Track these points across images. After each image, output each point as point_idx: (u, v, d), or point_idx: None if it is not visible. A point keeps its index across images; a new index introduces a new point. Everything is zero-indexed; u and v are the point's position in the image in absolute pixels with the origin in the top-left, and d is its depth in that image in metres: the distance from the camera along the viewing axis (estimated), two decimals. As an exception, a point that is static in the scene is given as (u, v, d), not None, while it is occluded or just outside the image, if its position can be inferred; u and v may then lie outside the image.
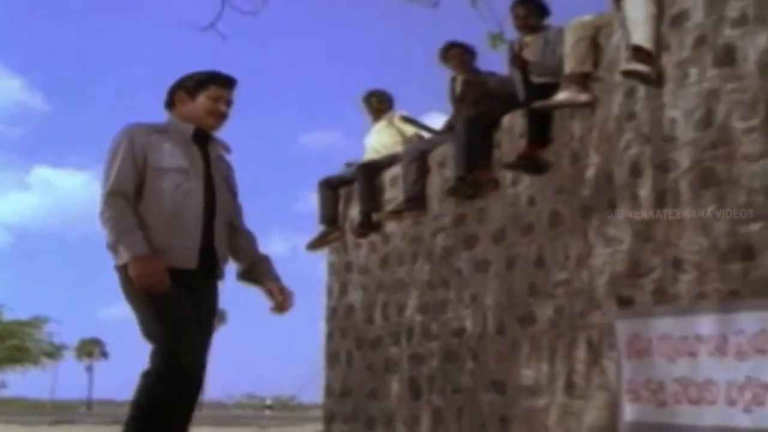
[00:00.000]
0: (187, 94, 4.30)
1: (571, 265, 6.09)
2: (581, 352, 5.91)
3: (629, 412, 5.33)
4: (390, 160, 8.48)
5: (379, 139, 8.84)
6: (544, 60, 6.61)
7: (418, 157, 7.88)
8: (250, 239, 4.51)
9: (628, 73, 5.66)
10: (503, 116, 7.02)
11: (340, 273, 9.17)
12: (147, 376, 3.88)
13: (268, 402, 64.08)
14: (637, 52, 5.63)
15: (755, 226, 4.86)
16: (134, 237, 3.94)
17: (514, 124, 6.87)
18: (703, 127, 5.28)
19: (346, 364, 8.94)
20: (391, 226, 8.33)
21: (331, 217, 9.01)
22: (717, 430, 4.81)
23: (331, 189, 8.95)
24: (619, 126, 5.87)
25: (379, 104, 9.08)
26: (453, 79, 8.02)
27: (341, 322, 9.10)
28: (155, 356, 3.90)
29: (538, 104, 6.30)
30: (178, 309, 3.96)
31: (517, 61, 6.84)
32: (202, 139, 4.30)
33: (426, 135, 8.51)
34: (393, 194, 8.30)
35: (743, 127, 5.04)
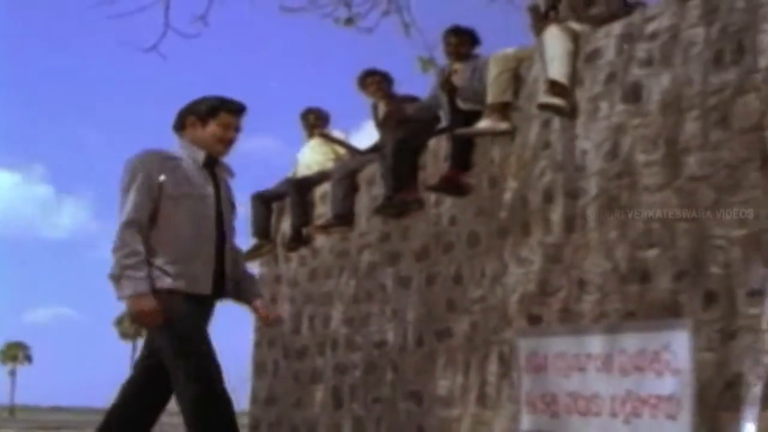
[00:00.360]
0: (198, 119, 4.37)
1: (486, 283, 6.46)
2: (493, 366, 6.27)
3: (527, 422, 5.73)
4: (321, 177, 8.79)
5: (313, 156, 9.15)
6: (471, 87, 7.00)
7: (347, 176, 8.21)
8: (238, 259, 4.60)
9: (544, 106, 6.06)
10: (427, 139, 7.38)
11: (271, 285, 9.45)
12: (189, 403, 4.03)
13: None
14: (554, 86, 6.04)
15: (652, 252, 5.27)
16: (138, 274, 4.03)
17: (439, 147, 7.24)
18: (610, 158, 5.69)
19: (272, 373, 9.22)
20: (320, 241, 8.64)
21: (263, 230, 9.29)
22: (601, 439, 5.24)
23: (264, 203, 9.23)
24: (535, 154, 6.26)
25: (316, 121, 9.39)
26: (374, 106, 8.42)
27: (270, 331, 9.37)
28: (187, 382, 4.03)
29: (460, 131, 6.68)
30: (198, 333, 4.15)
31: (446, 86, 7.22)
32: (211, 163, 4.39)
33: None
34: (323, 210, 8.63)
35: (645, 160, 5.45)
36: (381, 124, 8.30)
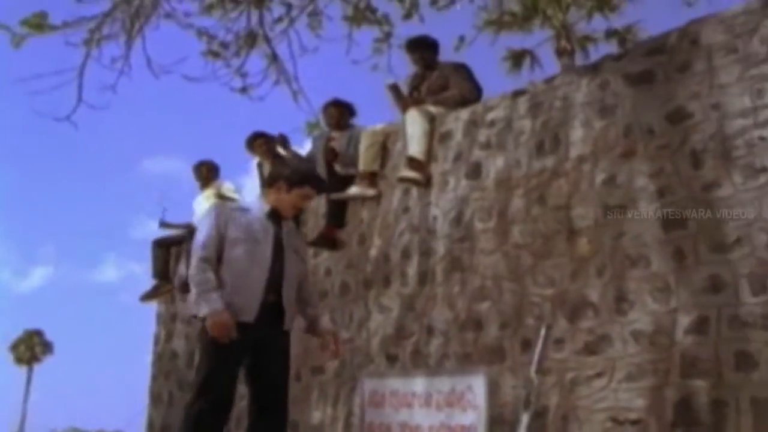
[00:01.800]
0: (286, 185, 5.15)
1: (354, 327, 7.47)
2: (359, 399, 7.26)
3: (368, 448, 6.83)
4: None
5: (206, 206, 10.02)
6: (348, 154, 8.05)
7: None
8: (312, 300, 5.38)
9: (403, 179, 7.12)
10: (310, 198, 8.38)
11: (167, 323, 10.30)
12: (186, 417, 4.90)
13: (92, 436, 62.64)
14: (411, 162, 7.11)
15: (485, 305, 6.35)
16: (213, 296, 4.75)
17: (318, 206, 8.25)
18: (456, 224, 6.77)
19: (167, 403, 10.05)
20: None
21: (162, 272, 10.12)
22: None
23: (163, 248, 10.08)
24: (397, 217, 7.33)
25: (208, 173, 10.27)
26: (259, 165, 9.38)
27: (165, 365, 10.21)
28: (190, 394, 4.91)
29: (335, 195, 7.71)
30: (225, 370, 4.81)
31: (326, 153, 8.24)
32: (277, 216, 5.13)
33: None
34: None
35: (482, 227, 6.55)
36: (266, 183, 9.26)
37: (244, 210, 5.17)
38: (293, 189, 5.16)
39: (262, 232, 5.03)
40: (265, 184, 5.32)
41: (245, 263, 4.92)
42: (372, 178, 7.62)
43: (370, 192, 7.56)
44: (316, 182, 5.42)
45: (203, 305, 4.78)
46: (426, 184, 7.09)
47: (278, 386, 5.05)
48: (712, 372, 4.90)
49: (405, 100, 7.58)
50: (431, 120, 7.25)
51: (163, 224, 10.19)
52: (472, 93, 7.44)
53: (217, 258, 4.89)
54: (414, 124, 7.23)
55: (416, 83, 7.85)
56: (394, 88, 7.64)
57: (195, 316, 4.92)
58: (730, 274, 4.94)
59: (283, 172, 5.32)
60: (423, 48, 7.78)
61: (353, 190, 7.61)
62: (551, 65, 15.31)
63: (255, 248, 4.97)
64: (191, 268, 4.88)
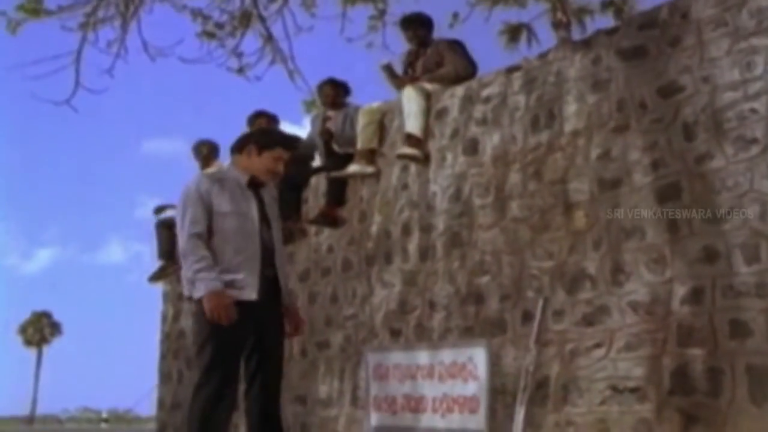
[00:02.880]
0: (256, 148, 4.91)
1: (357, 303, 7.61)
2: (363, 372, 7.42)
3: (374, 419, 6.96)
4: None
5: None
6: (344, 133, 8.15)
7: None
8: (285, 270, 5.01)
9: (401, 156, 7.22)
10: (309, 177, 8.49)
11: (174, 302, 10.44)
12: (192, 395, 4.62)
13: (104, 415, 63.25)
14: (409, 139, 7.21)
15: (485, 279, 6.48)
16: (210, 275, 4.51)
17: (318, 185, 8.36)
18: (454, 200, 6.88)
19: (176, 381, 10.22)
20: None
21: (168, 252, 10.19)
22: (427, 430, 6.51)
23: (167, 228, 10.16)
24: (396, 194, 7.43)
25: (209, 153, 10.32)
26: None
27: (174, 344, 10.37)
28: (193, 378, 4.67)
29: (334, 174, 7.82)
30: (230, 352, 4.59)
31: (324, 133, 8.34)
32: (255, 185, 4.90)
33: None
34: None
35: (480, 203, 6.66)
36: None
37: (222, 180, 4.85)
38: (264, 152, 4.94)
39: (245, 203, 4.82)
40: (234, 149, 5.02)
41: (239, 237, 4.69)
42: (370, 155, 7.71)
43: (369, 169, 7.66)
44: (286, 142, 5.14)
45: (199, 285, 4.53)
46: (424, 160, 7.19)
47: (277, 365, 4.87)
48: (708, 340, 5.02)
49: (400, 79, 7.67)
50: (427, 97, 7.33)
51: (159, 209, 10.24)
52: (466, 70, 7.51)
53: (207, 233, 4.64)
54: (410, 101, 7.31)
55: (411, 60, 7.92)
56: (388, 68, 7.72)
57: (190, 298, 4.68)
58: (723, 244, 5.05)
59: (251, 135, 5.09)
60: (417, 25, 7.84)
61: (352, 168, 7.70)
62: (548, 38, 15.37)
63: (244, 220, 4.76)
64: (182, 245, 4.63)
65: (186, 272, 4.61)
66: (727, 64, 5.24)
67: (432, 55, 7.70)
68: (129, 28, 7.83)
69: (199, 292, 4.53)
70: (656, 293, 5.34)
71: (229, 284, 4.57)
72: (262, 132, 5.17)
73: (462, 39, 7.82)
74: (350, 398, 7.53)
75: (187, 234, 4.60)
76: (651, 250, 5.42)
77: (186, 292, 4.73)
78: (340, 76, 8.81)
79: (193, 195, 4.68)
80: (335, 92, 8.49)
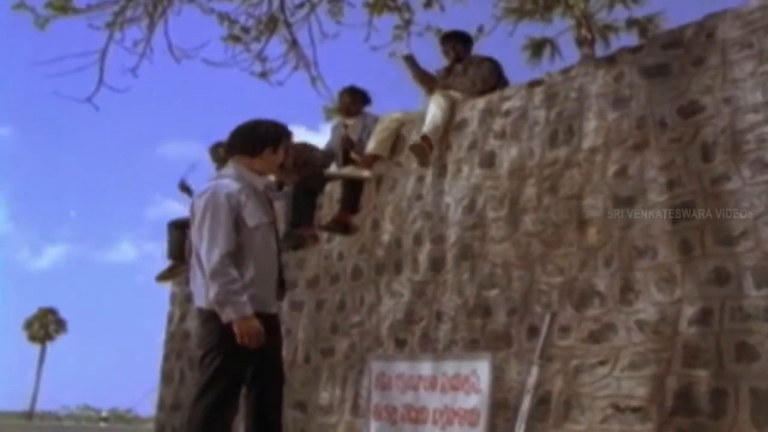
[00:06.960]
0: (272, 147, 4.78)
1: (364, 311, 7.56)
2: (366, 381, 7.35)
3: (373, 428, 6.87)
4: None
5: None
6: (361, 141, 8.14)
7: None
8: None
9: (413, 148, 7.16)
10: (325, 183, 8.48)
11: (181, 303, 10.42)
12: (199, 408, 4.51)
13: (104, 414, 62.98)
14: (424, 139, 7.16)
15: (493, 292, 6.43)
16: (241, 299, 4.37)
17: (333, 191, 8.34)
18: (468, 212, 6.84)
19: (178, 382, 10.17)
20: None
21: (177, 253, 10.19)
22: (427, 441, 6.47)
23: (178, 228, 10.17)
24: (410, 204, 7.41)
25: (226, 155, 10.31)
26: None
27: (178, 345, 10.33)
28: (198, 381, 4.60)
29: (328, 172, 7.84)
30: (240, 363, 4.50)
31: (343, 140, 8.33)
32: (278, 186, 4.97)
33: None
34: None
35: (494, 216, 6.62)
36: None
37: (243, 188, 4.64)
38: (278, 148, 4.83)
39: (264, 211, 4.69)
40: (243, 152, 4.79)
41: (264, 253, 4.62)
42: (371, 160, 7.71)
43: (364, 174, 7.67)
44: (289, 131, 4.97)
45: (229, 310, 4.39)
46: (440, 171, 7.17)
47: (278, 370, 4.81)
48: (713, 362, 4.95)
49: (422, 74, 7.72)
50: (452, 106, 7.32)
51: (183, 187, 10.07)
52: (485, 84, 7.51)
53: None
54: (435, 108, 7.31)
55: (444, 75, 7.94)
56: (410, 59, 7.72)
57: (214, 314, 4.46)
58: (735, 266, 4.99)
59: (265, 136, 4.83)
60: (456, 40, 7.92)
61: (347, 168, 7.74)
62: (571, 54, 15.33)
63: (267, 232, 4.67)
64: (213, 263, 4.41)
65: (217, 293, 4.41)
66: (750, 86, 5.20)
67: (461, 70, 7.73)
68: (155, 28, 7.90)
69: (229, 315, 4.40)
70: (664, 313, 5.27)
71: (252, 298, 4.46)
72: (267, 128, 4.88)
73: (485, 52, 7.83)
74: (351, 406, 7.47)
75: (220, 253, 4.42)
76: (662, 269, 5.36)
77: (202, 303, 4.59)
78: (362, 84, 8.83)
79: (224, 208, 4.51)
80: (352, 100, 8.50)
